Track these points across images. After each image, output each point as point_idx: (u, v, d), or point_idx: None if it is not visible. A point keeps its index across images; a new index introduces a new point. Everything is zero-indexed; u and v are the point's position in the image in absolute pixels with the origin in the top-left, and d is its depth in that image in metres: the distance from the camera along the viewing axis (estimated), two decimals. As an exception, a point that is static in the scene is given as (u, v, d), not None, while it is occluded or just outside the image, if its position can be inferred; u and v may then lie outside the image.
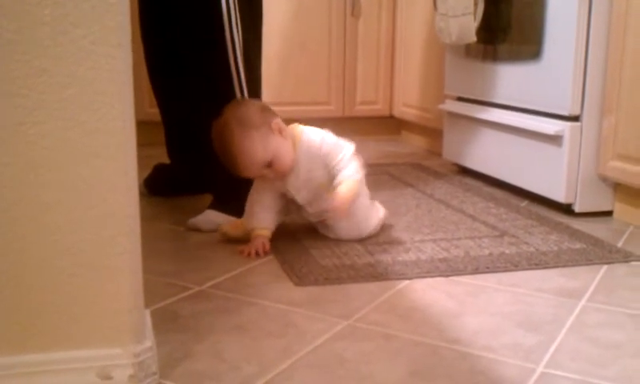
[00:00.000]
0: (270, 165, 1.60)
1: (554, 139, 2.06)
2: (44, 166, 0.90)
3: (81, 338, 0.95)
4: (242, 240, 1.69)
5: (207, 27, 1.80)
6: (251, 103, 1.67)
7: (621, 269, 1.59)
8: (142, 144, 1.04)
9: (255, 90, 1.92)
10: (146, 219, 1.06)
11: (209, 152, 1.90)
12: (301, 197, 1.69)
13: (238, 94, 1.82)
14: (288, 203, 1.74)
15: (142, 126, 1.13)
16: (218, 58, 1.80)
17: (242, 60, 1.82)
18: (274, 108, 1.91)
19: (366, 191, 1.75)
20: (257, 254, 1.62)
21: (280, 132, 1.62)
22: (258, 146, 1.58)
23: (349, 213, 1.61)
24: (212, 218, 1.82)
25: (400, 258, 1.60)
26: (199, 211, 1.85)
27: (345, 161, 1.63)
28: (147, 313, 1.06)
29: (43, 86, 0.88)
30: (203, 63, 1.83)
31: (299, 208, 1.75)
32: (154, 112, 2.27)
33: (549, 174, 2.10)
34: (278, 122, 1.63)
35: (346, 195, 1.58)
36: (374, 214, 1.78)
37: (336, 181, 1.62)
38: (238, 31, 1.81)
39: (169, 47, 1.97)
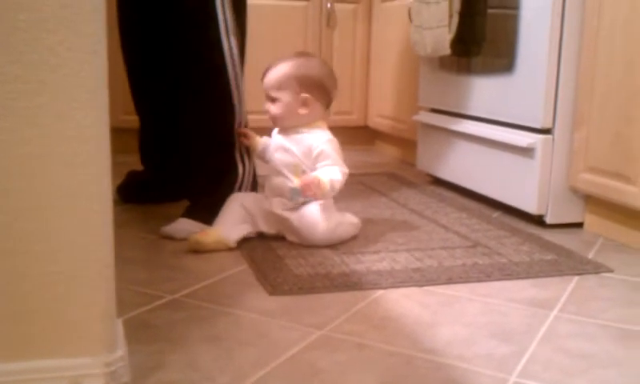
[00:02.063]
0: (272, 100, 1.80)
1: (527, 151, 2.08)
2: (15, 173, 0.88)
3: (52, 347, 0.94)
4: (214, 250, 1.69)
5: (204, 35, 1.82)
6: (324, 72, 1.84)
7: (592, 280, 1.61)
8: (115, 151, 1.03)
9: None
10: (118, 227, 1.05)
11: (188, 159, 1.91)
12: (278, 158, 1.81)
13: (236, 100, 1.86)
14: (253, 211, 1.79)
15: (115, 132, 1.12)
16: (215, 66, 1.83)
17: (239, 68, 1.86)
18: (250, 116, 1.93)
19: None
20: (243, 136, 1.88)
21: (302, 103, 1.79)
22: (281, 85, 1.79)
23: (309, 192, 1.71)
24: (185, 226, 1.81)
25: (374, 268, 1.61)
26: (172, 219, 1.84)
27: (338, 168, 1.77)
28: (119, 322, 1.05)
29: (16, 93, 0.87)
30: (201, 70, 1.84)
31: (265, 208, 1.79)
32: (127, 119, 2.26)
33: (521, 185, 2.12)
34: (309, 99, 1.79)
35: (319, 177, 1.72)
36: (344, 219, 1.81)
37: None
38: (233, 38, 1.83)
39: (153, 52, 1.97)
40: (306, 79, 1.79)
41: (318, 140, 1.78)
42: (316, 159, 1.76)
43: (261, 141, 1.90)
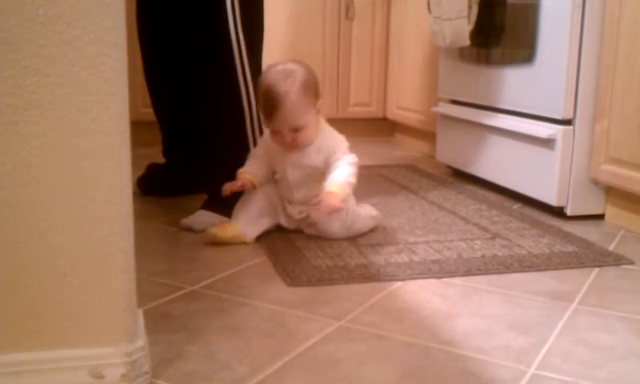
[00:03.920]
0: (297, 130, 1.66)
1: (547, 143, 2.07)
2: (37, 165, 0.90)
3: (73, 337, 0.95)
4: (231, 243, 1.70)
5: (213, 26, 1.80)
6: (314, 75, 1.73)
7: (612, 272, 1.60)
8: (135, 144, 1.04)
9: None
10: (138, 219, 1.06)
11: (205, 152, 1.91)
12: (295, 175, 1.72)
13: (243, 93, 1.83)
14: (274, 202, 1.77)
15: (135, 125, 1.13)
16: (223, 56, 1.81)
17: (247, 59, 1.83)
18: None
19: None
20: (239, 188, 1.72)
21: (317, 112, 1.71)
22: (303, 109, 1.65)
23: (334, 210, 1.61)
24: (205, 218, 1.82)
25: (393, 260, 1.61)
26: (192, 211, 1.86)
27: (345, 160, 1.68)
28: (140, 312, 1.06)
29: (36, 86, 0.88)
30: (209, 62, 1.83)
31: (284, 206, 1.78)
32: (147, 112, 2.27)
33: (541, 177, 2.11)
34: (321, 103, 1.72)
35: (338, 192, 1.60)
36: (362, 213, 1.80)
37: (330, 173, 1.66)
38: (241, 30, 1.82)
39: (169, 46, 1.97)
40: (314, 85, 1.69)
41: (332, 140, 1.71)
42: (328, 158, 1.70)
43: (255, 182, 1.74)
